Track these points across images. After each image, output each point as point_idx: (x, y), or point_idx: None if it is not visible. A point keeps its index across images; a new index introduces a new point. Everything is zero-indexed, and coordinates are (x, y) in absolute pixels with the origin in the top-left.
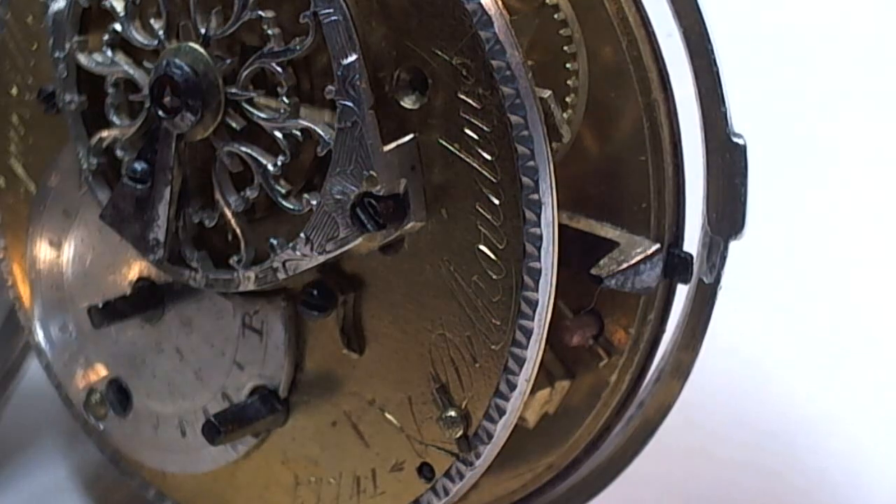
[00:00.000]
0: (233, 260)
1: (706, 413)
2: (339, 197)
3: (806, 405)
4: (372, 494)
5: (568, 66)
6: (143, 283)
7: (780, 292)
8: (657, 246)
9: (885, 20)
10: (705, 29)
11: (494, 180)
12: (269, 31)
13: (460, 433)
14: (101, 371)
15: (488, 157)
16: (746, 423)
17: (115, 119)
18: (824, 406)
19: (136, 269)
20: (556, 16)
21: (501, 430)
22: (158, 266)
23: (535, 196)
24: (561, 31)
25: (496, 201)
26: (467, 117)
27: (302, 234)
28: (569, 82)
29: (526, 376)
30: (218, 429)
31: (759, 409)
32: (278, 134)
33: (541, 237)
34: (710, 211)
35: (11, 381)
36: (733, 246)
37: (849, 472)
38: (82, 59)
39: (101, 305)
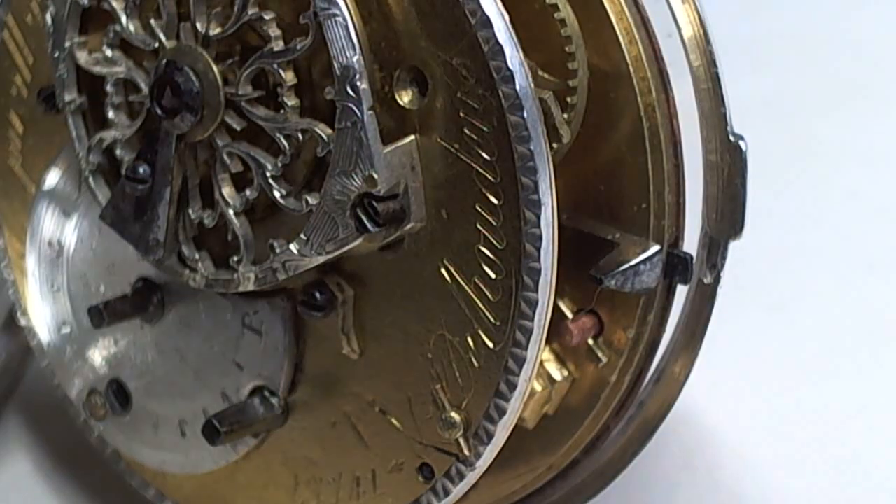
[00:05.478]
0: (233, 260)
1: (706, 413)
2: (338, 197)
3: (805, 404)
4: (372, 495)
5: (568, 65)
6: (142, 283)
7: (779, 292)
8: (657, 247)
9: (886, 20)
10: (705, 29)
11: (494, 181)
12: (270, 32)
13: (460, 433)
14: (101, 371)
15: (488, 157)
16: (747, 423)
17: (114, 119)
18: (824, 405)
19: (136, 269)
20: (555, 15)
21: (501, 431)
22: (158, 266)
23: (535, 196)
24: (561, 31)
25: (496, 202)
26: (467, 118)
27: (302, 235)
28: (569, 83)
29: (526, 376)
30: (218, 429)
31: (759, 408)
32: (278, 134)
33: (540, 237)
34: (709, 211)
35: (12, 381)
36: (733, 246)
37: (854, 470)
38: (82, 59)
39: (101, 305)
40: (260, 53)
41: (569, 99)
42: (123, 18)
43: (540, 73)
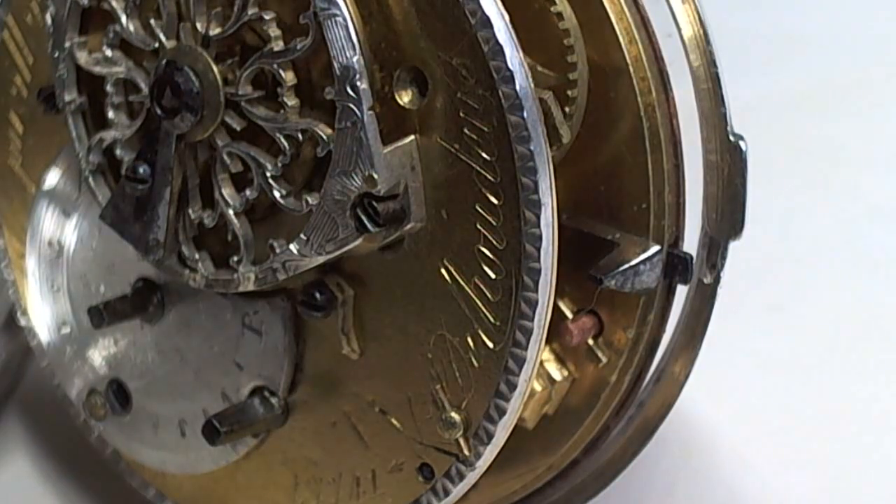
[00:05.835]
0: (233, 260)
1: (706, 413)
2: (338, 197)
3: (805, 404)
4: (372, 495)
5: (567, 58)
6: (142, 283)
7: (779, 292)
8: (657, 247)
9: (886, 20)
10: (705, 29)
11: (494, 181)
12: (270, 32)
13: (460, 433)
14: (101, 371)
15: (488, 157)
16: (746, 423)
17: (114, 119)
18: (823, 405)
19: (136, 269)
20: (552, 9)
21: (501, 431)
22: (158, 266)
23: (535, 196)
24: (559, 24)
25: (496, 202)
26: (467, 118)
27: (302, 235)
28: (569, 76)
29: (526, 376)
30: (218, 429)
31: (759, 408)
32: (278, 134)
33: (540, 237)
34: (709, 211)
35: (12, 381)
36: (733, 246)
37: (854, 470)
38: (82, 59)
39: (101, 305)
40: (260, 53)
41: (569, 92)
42: (123, 18)
43: (539, 69)
